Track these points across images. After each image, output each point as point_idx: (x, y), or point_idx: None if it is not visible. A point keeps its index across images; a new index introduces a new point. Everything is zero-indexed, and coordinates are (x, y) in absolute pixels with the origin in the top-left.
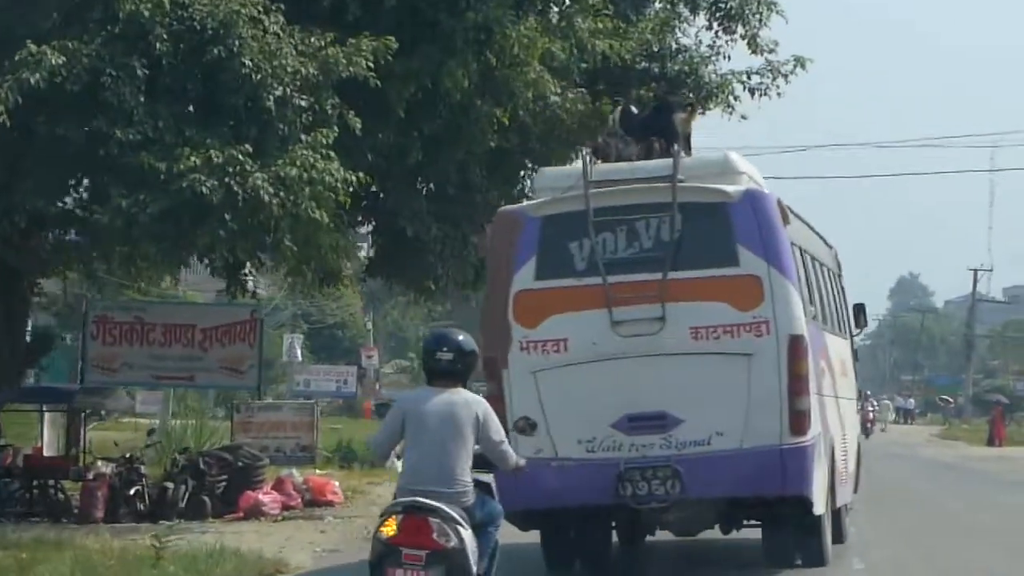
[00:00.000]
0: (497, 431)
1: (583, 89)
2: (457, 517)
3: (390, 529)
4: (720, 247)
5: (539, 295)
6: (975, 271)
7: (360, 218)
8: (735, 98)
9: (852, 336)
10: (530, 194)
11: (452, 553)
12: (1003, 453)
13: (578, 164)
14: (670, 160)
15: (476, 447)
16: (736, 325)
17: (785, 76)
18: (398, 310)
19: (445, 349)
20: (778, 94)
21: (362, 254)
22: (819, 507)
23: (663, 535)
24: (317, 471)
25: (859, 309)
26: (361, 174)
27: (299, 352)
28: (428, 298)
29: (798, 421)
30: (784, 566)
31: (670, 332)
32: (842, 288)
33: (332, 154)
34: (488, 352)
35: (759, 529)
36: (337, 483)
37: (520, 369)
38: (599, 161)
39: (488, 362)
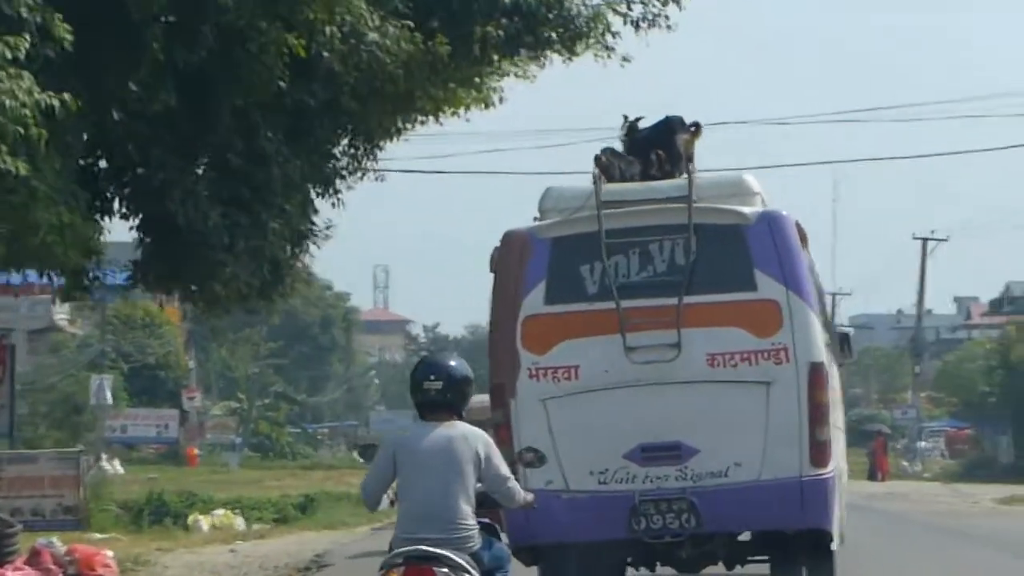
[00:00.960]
0: (502, 466)
1: (410, 23)
2: (466, 565)
3: None
4: (737, 271)
5: (549, 320)
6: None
7: (121, 205)
8: (612, 34)
9: (841, 365)
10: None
11: None
12: (891, 488)
13: (586, 184)
14: (683, 180)
15: (478, 485)
16: (754, 352)
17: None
18: (226, 348)
19: (432, 377)
20: (668, 26)
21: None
22: (836, 542)
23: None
24: (97, 535)
25: (844, 338)
26: (68, 96)
27: (108, 394)
28: (214, 310)
29: (819, 452)
30: None
31: (686, 359)
32: (831, 313)
33: (25, 74)
34: (495, 379)
35: (760, 564)
36: (112, 552)
37: (529, 397)
38: (604, 180)
39: (495, 390)
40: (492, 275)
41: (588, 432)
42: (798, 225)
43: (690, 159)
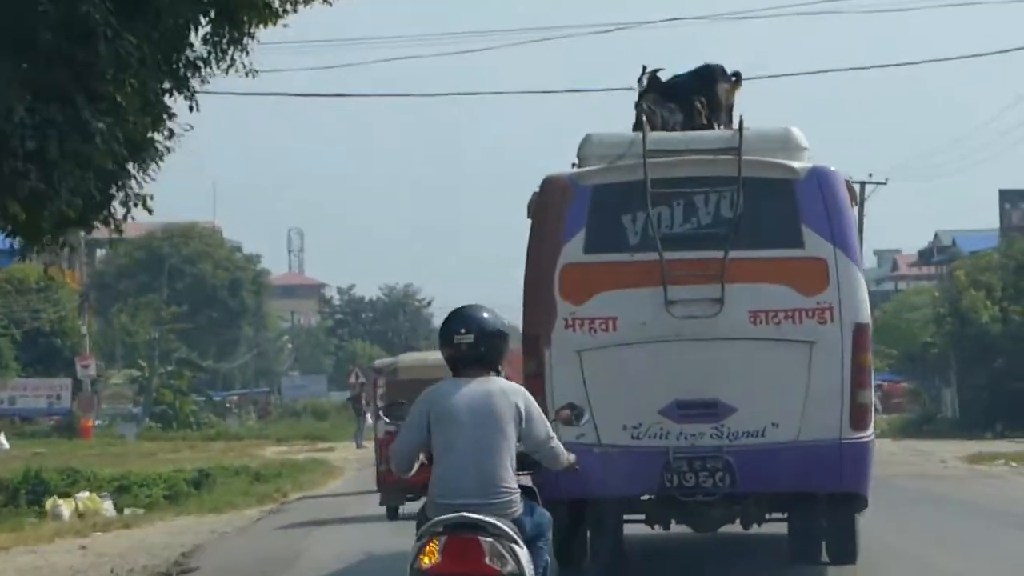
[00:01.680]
0: (543, 424)
1: None
2: (511, 533)
3: (432, 556)
4: (784, 227)
5: (588, 269)
6: None
7: None
8: None
9: None
10: (576, 161)
11: None
12: None
13: (627, 131)
14: (730, 132)
15: (518, 445)
16: (798, 310)
17: None
18: (126, 313)
19: (463, 331)
20: None
21: None
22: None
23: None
24: None
25: None
26: None
27: None
28: (36, 242)
29: (860, 415)
30: (812, 563)
31: (728, 315)
32: None
33: None
34: (529, 329)
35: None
36: None
37: (564, 348)
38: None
39: (529, 340)
40: (529, 220)
41: (623, 386)
42: (848, 183)
43: (730, 109)
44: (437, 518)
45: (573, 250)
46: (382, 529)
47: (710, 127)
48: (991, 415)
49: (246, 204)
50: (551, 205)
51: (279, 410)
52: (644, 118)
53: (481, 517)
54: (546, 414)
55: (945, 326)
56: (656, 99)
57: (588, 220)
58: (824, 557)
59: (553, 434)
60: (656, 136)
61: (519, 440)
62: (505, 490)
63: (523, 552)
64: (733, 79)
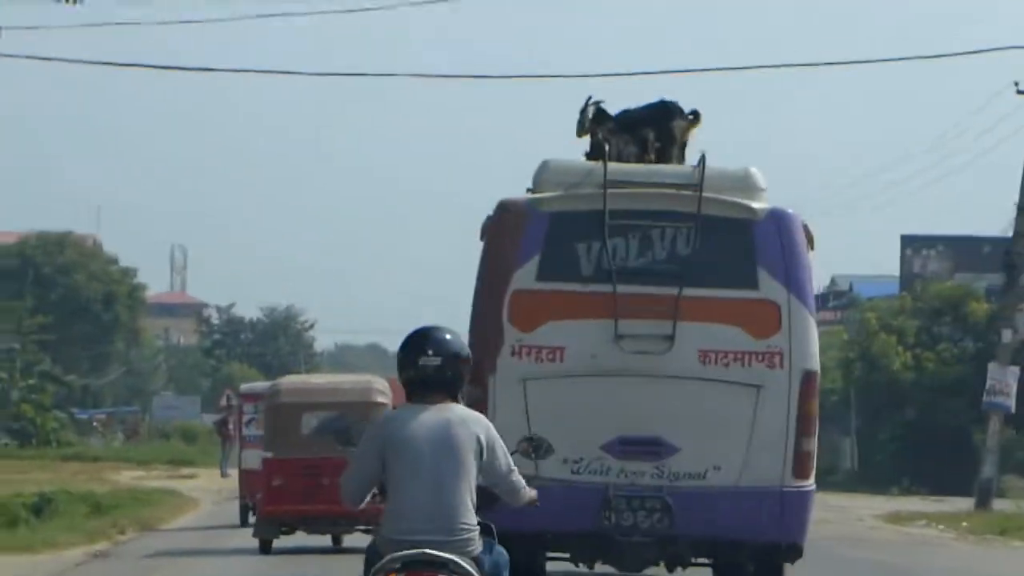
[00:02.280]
0: (504, 456)
1: None
2: (473, 572)
3: None
4: (740, 267)
5: (539, 297)
6: None
7: None
8: None
9: None
10: (532, 187)
11: None
12: None
13: (582, 159)
14: (690, 168)
15: (478, 478)
16: (748, 353)
17: None
18: None
19: (431, 352)
20: None
21: None
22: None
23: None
24: None
25: None
26: None
27: None
28: None
29: (803, 463)
30: None
31: (677, 353)
32: None
33: None
34: (474, 354)
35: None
36: None
37: (509, 375)
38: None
39: (473, 365)
40: (482, 243)
41: (566, 418)
42: (805, 227)
43: (683, 147)
44: (395, 554)
45: (525, 276)
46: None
47: (661, 162)
48: (898, 469)
49: (130, 220)
50: (506, 229)
51: (149, 431)
52: (606, 147)
53: (443, 554)
54: None
55: (854, 371)
56: (612, 129)
57: (543, 247)
58: None
59: (514, 467)
60: (616, 167)
61: (479, 473)
62: (465, 527)
63: None
64: (691, 117)
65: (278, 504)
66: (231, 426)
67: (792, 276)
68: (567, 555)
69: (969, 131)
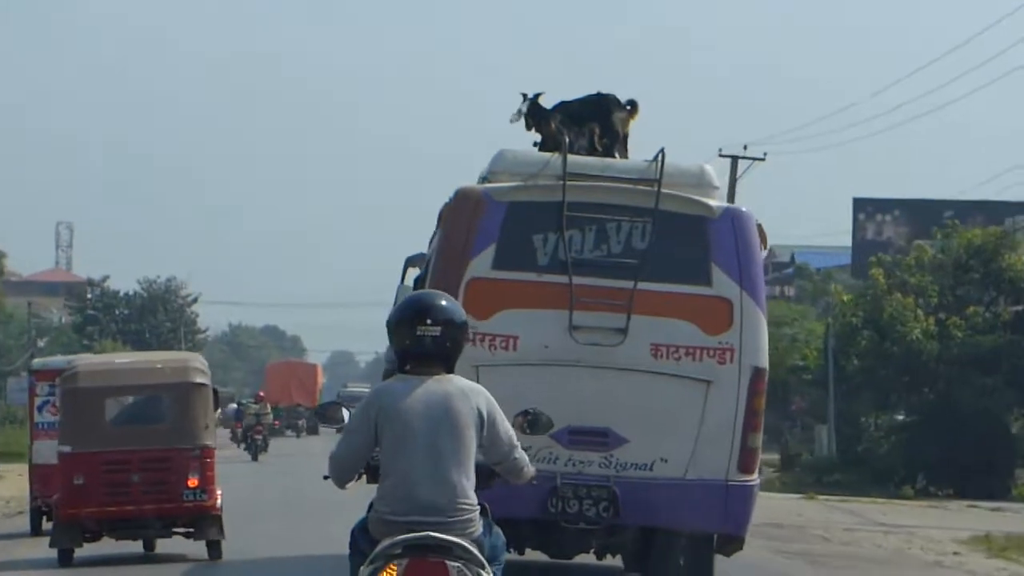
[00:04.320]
0: (506, 430)
1: None
2: (479, 556)
3: None
4: (694, 263)
5: (494, 285)
6: None
7: None
8: None
9: None
10: (488, 175)
11: None
12: None
13: (537, 152)
14: (646, 163)
15: (477, 454)
16: (700, 348)
17: None
18: None
19: (430, 321)
20: None
21: None
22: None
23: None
24: None
25: None
26: None
27: None
28: None
29: (749, 458)
30: None
31: (630, 346)
32: None
33: None
34: None
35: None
36: None
37: (461, 361)
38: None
39: None
40: (438, 229)
41: (516, 406)
42: (759, 226)
43: (626, 139)
44: (397, 538)
45: (481, 264)
46: None
47: (608, 155)
48: (910, 463)
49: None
50: (463, 217)
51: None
52: (566, 139)
53: (448, 537)
54: None
55: (860, 342)
56: (564, 120)
57: (500, 236)
58: None
59: (517, 442)
60: (573, 159)
61: (479, 448)
62: (465, 507)
63: None
64: (628, 108)
65: (79, 506)
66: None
67: (745, 274)
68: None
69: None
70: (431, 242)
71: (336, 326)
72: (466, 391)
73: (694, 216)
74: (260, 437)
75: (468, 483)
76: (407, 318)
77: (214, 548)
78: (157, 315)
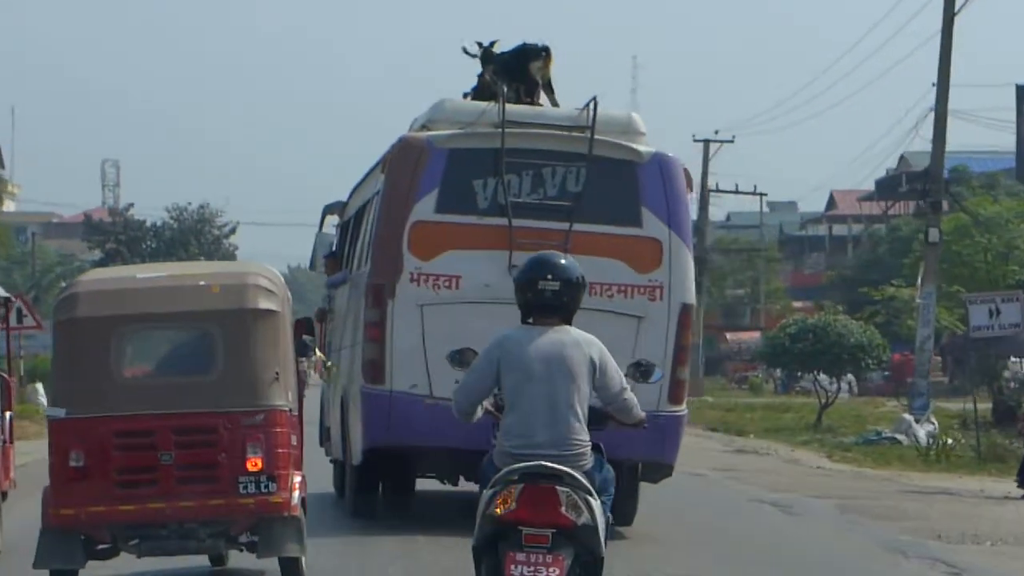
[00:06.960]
0: (617, 376)
1: None
2: (587, 484)
3: (507, 503)
4: (625, 206)
5: (437, 228)
6: None
7: None
8: None
9: None
10: (427, 123)
11: (582, 531)
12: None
13: (475, 102)
14: (577, 111)
15: (591, 397)
16: (631, 286)
17: None
18: None
19: (550, 277)
20: None
21: None
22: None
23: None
24: None
25: None
26: None
27: None
28: None
29: (678, 391)
30: None
31: None
32: None
33: None
34: (376, 279)
35: None
36: None
37: (407, 300)
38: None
39: (375, 289)
40: (382, 176)
41: (459, 342)
42: (685, 170)
43: (548, 85)
44: (514, 466)
45: (425, 208)
46: None
47: (533, 104)
48: None
49: (53, 135)
50: (406, 164)
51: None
52: (504, 88)
53: (559, 467)
54: (381, 358)
55: None
56: (497, 70)
57: (442, 181)
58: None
59: (627, 386)
60: (510, 108)
61: (592, 392)
62: (578, 442)
63: (596, 504)
64: (544, 55)
65: (79, 503)
66: None
67: (673, 215)
68: (434, 474)
69: None
70: (354, 189)
71: None
72: (580, 342)
73: (624, 161)
74: None
75: (580, 423)
76: (530, 274)
77: (291, 570)
78: (189, 248)
